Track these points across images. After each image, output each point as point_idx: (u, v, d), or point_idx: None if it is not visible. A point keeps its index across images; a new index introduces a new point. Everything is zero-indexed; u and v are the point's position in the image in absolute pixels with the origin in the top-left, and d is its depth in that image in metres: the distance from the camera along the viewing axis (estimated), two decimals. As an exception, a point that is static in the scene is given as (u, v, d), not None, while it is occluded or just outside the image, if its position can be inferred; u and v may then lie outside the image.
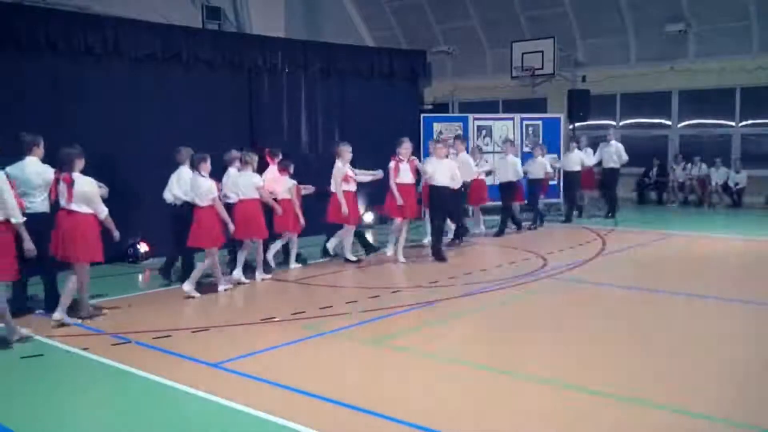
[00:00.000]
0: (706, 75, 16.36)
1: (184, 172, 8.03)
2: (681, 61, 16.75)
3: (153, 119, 10.07)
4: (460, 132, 14.13)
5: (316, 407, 4.53)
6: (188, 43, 10.73)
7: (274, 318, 6.78)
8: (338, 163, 9.39)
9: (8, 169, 6.19)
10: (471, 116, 15.01)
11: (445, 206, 9.79)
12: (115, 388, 5.05)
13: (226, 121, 11.05)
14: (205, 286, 8.00)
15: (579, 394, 4.74)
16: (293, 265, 9.34)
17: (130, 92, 9.94)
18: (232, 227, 7.81)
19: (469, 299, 7.59)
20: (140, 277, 9.04)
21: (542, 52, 17.09)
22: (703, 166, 16.48)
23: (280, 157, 9.20)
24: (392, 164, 9.52)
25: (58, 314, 6.48)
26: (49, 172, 6.66)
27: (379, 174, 9.82)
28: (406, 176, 9.50)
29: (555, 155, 14.41)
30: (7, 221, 5.76)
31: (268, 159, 9.19)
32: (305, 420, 4.26)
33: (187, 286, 7.65)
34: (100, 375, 5.29)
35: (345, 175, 9.36)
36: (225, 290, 7.90)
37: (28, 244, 5.83)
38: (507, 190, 12.12)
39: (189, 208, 7.85)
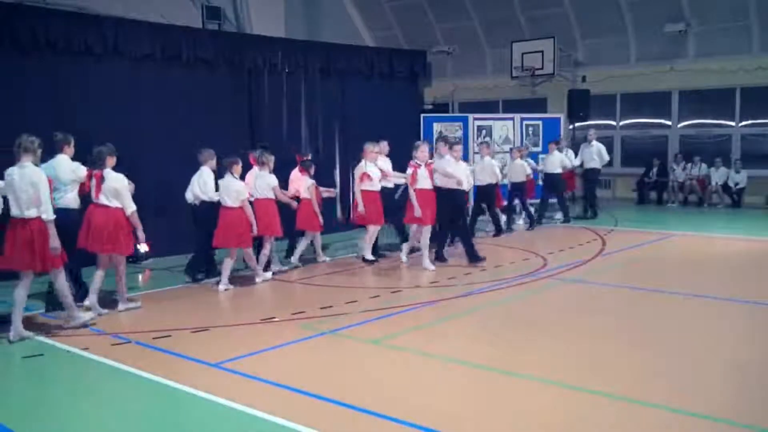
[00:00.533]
0: (706, 75, 16.36)
1: (205, 172, 8.26)
2: (681, 61, 16.75)
3: (153, 119, 10.07)
4: (461, 132, 14.14)
5: (316, 407, 4.53)
6: (188, 43, 10.72)
7: (274, 318, 6.78)
8: (361, 162, 9.42)
9: (42, 166, 6.34)
10: (471, 116, 14.99)
11: (460, 209, 9.56)
12: (115, 388, 5.05)
13: (225, 120, 11.05)
14: (202, 285, 8.00)
15: (579, 394, 4.74)
16: (322, 258, 9.76)
17: (130, 92, 9.94)
18: (255, 229, 8.07)
19: (469, 299, 7.59)
20: (140, 277, 9.04)
21: (542, 52, 17.09)
22: (703, 166, 16.48)
23: (308, 157, 9.73)
24: (410, 170, 9.06)
25: (90, 302, 6.83)
26: (80, 170, 6.95)
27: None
28: (425, 182, 9.00)
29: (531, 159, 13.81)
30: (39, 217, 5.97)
31: (298, 159, 9.63)
32: (305, 420, 4.26)
33: (222, 286, 7.99)
34: (100, 375, 5.30)
35: (363, 174, 9.29)
36: (226, 290, 8.00)
37: (54, 242, 5.99)
38: (485, 193, 11.49)
39: (207, 207, 8.13)
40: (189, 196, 8.39)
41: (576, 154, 14.37)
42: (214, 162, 8.35)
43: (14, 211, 5.95)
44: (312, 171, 9.39)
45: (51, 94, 9.17)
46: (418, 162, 9.04)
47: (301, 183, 9.30)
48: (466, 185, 9.53)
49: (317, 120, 12.63)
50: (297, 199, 9.16)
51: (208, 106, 10.80)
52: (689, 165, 16.68)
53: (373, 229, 9.58)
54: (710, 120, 17.09)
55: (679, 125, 17.51)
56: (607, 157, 14.14)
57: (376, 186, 9.42)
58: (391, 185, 9.93)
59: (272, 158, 8.76)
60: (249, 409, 4.47)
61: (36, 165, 6.10)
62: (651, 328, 6.42)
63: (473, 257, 9.27)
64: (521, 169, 12.52)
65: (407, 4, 19.59)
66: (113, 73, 9.83)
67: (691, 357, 5.51)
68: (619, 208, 15.85)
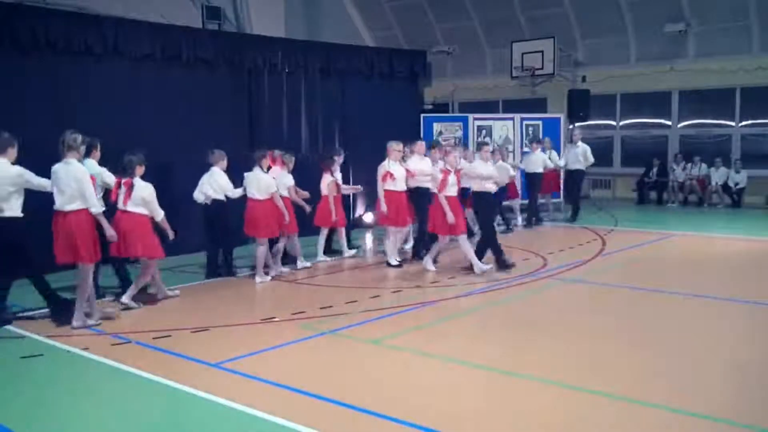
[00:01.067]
0: (706, 75, 16.37)
1: (217, 172, 8.51)
2: (681, 61, 16.76)
3: (153, 119, 10.07)
4: (460, 132, 14.14)
5: (316, 407, 4.53)
6: (188, 43, 10.72)
7: (274, 318, 6.79)
8: (384, 161, 9.21)
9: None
10: (471, 116, 15.01)
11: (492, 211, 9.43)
12: (115, 388, 5.05)
13: (225, 120, 11.05)
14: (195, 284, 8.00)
15: (579, 394, 4.74)
16: (347, 253, 10.04)
17: (130, 92, 9.93)
18: (287, 218, 8.54)
19: (469, 299, 7.59)
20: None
21: (542, 52, 17.09)
22: (703, 166, 16.49)
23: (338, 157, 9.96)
24: (441, 176, 8.70)
25: (126, 298, 7.16)
26: (105, 174, 7.21)
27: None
28: (454, 189, 8.67)
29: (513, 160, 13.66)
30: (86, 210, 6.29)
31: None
32: (305, 420, 4.26)
33: (259, 278, 8.42)
34: (100, 375, 5.30)
35: (385, 173, 9.09)
36: (261, 282, 8.39)
37: (110, 231, 6.45)
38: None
39: (219, 206, 8.49)
40: (199, 196, 8.55)
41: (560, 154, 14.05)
42: (225, 163, 8.60)
43: (57, 205, 6.27)
44: (333, 168, 9.64)
45: (51, 94, 9.16)
46: (449, 167, 8.75)
47: (323, 181, 9.58)
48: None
49: (317, 120, 12.63)
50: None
51: (208, 106, 10.80)
52: (689, 165, 16.68)
53: (394, 231, 9.35)
54: (710, 120, 17.10)
55: (679, 125, 17.52)
56: (591, 159, 13.70)
57: (400, 186, 9.15)
58: (428, 184, 9.46)
59: (293, 159, 9.22)
60: (249, 409, 4.47)
61: (79, 162, 6.41)
62: (651, 328, 6.42)
63: (502, 264, 8.89)
64: (504, 171, 12.28)
65: (407, 4, 19.59)
66: (113, 73, 9.82)
67: (691, 357, 5.51)
68: (619, 208, 15.86)
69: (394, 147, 9.19)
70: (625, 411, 4.43)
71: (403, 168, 9.22)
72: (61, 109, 9.16)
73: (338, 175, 9.83)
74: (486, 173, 8.92)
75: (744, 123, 16.54)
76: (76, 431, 4.36)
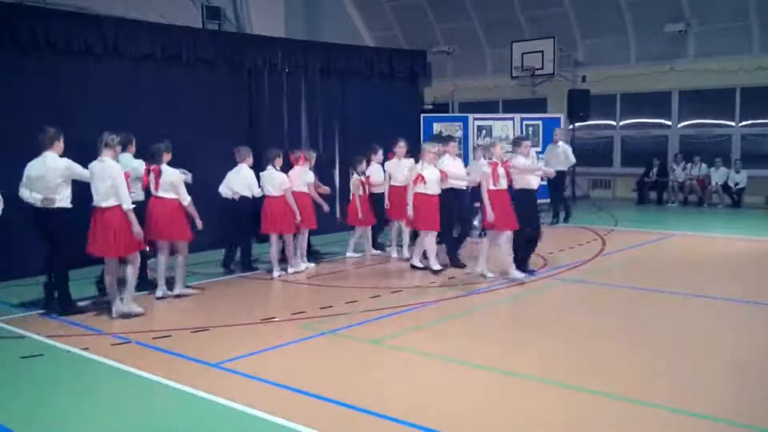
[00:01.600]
0: (706, 75, 16.36)
1: (244, 169, 8.79)
2: (681, 61, 16.75)
3: (153, 119, 10.05)
4: (461, 132, 14.13)
5: (316, 407, 4.54)
6: (188, 43, 10.72)
7: (274, 318, 6.79)
8: (417, 164, 8.85)
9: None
10: (471, 116, 15.01)
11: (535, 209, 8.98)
12: (115, 388, 5.05)
13: (225, 120, 11.05)
14: (193, 282, 7.99)
15: (579, 394, 4.74)
16: (371, 252, 10.17)
17: (130, 92, 9.93)
18: (299, 217, 8.74)
19: (469, 299, 7.59)
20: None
21: (542, 52, 17.08)
22: (703, 166, 16.48)
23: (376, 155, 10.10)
24: (488, 170, 8.18)
25: (178, 289, 7.64)
26: (142, 167, 7.57)
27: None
28: (504, 181, 8.21)
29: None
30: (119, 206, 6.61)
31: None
32: (305, 420, 4.26)
33: (276, 272, 8.71)
34: (100, 375, 5.30)
35: (417, 176, 8.69)
36: (279, 275, 8.69)
37: (136, 228, 6.67)
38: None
39: (248, 202, 8.77)
40: (226, 191, 8.82)
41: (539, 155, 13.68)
42: (251, 159, 8.86)
43: (95, 201, 6.64)
44: (359, 168, 9.84)
45: (51, 94, 9.16)
46: (496, 159, 8.26)
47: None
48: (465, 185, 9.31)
49: (317, 120, 12.63)
50: None
51: (208, 106, 10.80)
52: (689, 165, 16.67)
53: (424, 234, 8.88)
54: (710, 120, 17.08)
55: (679, 125, 17.50)
56: (573, 159, 13.38)
57: (433, 189, 8.72)
58: (464, 186, 9.33)
59: (314, 156, 9.46)
60: (249, 409, 4.47)
61: (115, 160, 6.76)
62: (651, 328, 6.42)
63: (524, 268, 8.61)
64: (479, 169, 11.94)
65: (407, 4, 19.58)
66: (113, 73, 9.82)
67: (691, 357, 5.51)
68: (619, 208, 15.85)
69: (429, 149, 8.79)
70: (625, 411, 4.43)
71: (438, 170, 8.81)
72: (61, 109, 9.14)
73: (371, 173, 9.97)
74: (531, 168, 8.53)
75: (744, 123, 16.52)
76: (76, 431, 4.36)
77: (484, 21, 19.04)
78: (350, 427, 4.28)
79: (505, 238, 8.25)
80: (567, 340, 5.99)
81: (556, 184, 13.39)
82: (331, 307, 7.14)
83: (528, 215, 8.40)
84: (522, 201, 8.37)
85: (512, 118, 15.20)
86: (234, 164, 8.86)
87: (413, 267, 9.07)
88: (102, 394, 4.96)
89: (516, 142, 8.67)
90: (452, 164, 9.20)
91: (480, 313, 7.11)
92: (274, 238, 8.80)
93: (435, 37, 19.74)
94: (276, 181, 8.66)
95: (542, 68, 17.08)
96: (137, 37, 10.09)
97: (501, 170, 8.16)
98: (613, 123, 18.43)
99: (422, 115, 14.76)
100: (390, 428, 4.20)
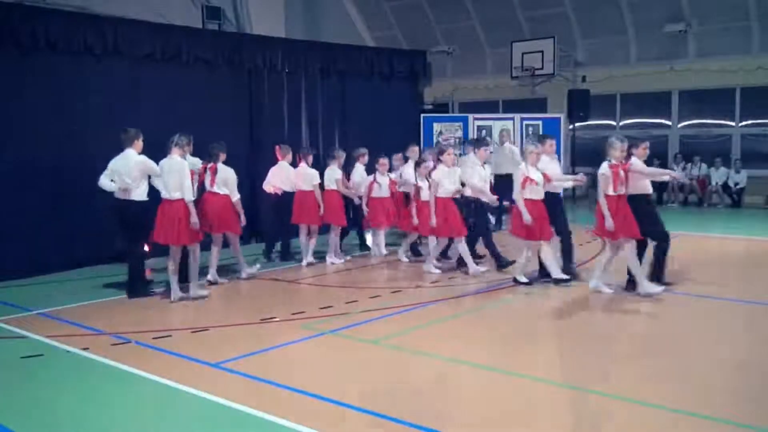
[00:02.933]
0: (706, 75, 16.37)
1: (285, 166, 9.58)
2: (681, 61, 16.76)
3: (153, 119, 10.04)
4: (460, 132, 14.13)
5: (316, 407, 4.53)
6: (188, 43, 10.73)
7: (274, 318, 6.78)
8: (521, 165, 8.00)
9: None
10: (471, 116, 15.01)
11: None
12: (115, 388, 5.04)
13: (225, 121, 11.05)
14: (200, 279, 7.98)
15: (579, 394, 4.74)
16: (378, 254, 10.24)
17: (130, 92, 9.94)
18: (322, 210, 9.30)
19: (469, 299, 7.59)
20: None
21: (542, 52, 17.10)
22: (703, 166, 16.50)
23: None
24: (609, 173, 7.40)
25: (211, 274, 8.34)
26: (198, 165, 8.17)
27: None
28: (622, 187, 7.42)
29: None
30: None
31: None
32: (305, 420, 4.26)
33: (305, 261, 9.42)
34: (100, 375, 5.29)
35: (525, 179, 7.79)
36: (309, 264, 9.41)
37: (194, 218, 7.30)
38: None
39: (289, 196, 9.49)
40: (269, 188, 9.62)
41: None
42: (290, 156, 9.64)
43: (164, 194, 7.37)
44: (339, 162, 9.94)
45: (51, 94, 9.17)
46: (615, 162, 7.44)
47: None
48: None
49: (317, 120, 12.63)
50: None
51: (208, 106, 10.79)
52: (689, 165, 16.68)
53: (539, 244, 8.02)
54: (710, 120, 17.10)
55: (679, 125, 17.51)
56: (519, 159, 11.52)
57: (539, 193, 7.82)
58: (559, 191, 8.57)
59: (343, 155, 9.87)
60: (249, 409, 4.47)
61: (182, 158, 7.44)
62: (651, 327, 6.42)
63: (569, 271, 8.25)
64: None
65: (407, 4, 19.59)
66: (113, 73, 9.82)
67: (691, 357, 5.51)
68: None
69: (531, 149, 7.86)
70: (626, 411, 4.43)
71: (540, 173, 7.85)
72: (61, 109, 9.16)
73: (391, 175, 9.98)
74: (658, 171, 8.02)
75: (744, 123, 16.53)
76: (76, 431, 4.36)
77: (484, 21, 19.05)
78: (350, 427, 4.27)
79: (629, 248, 7.48)
80: (567, 340, 5.99)
81: (502, 188, 10.83)
82: (331, 307, 7.14)
83: (650, 221, 7.70)
84: (640, 207, 7.60)
85: (512, 118, 15.20)
86: (272, 163, 9.70)
87: (516, 281, 8.12)
88: (102, 394, 4.95)
89: (540, 140, 8.24)
90: (551, 166, 8.24)
91: (480, 313, 7.10)
92: (302, 228, 9.49)
93: (435, 37, 19.74)
94: (308, 177, 9.33)
95: (542, 68, 17.10)
96: (137, 37, 10.10)
97: (622, 174, 7.32)
98: (613, 123, 18.42)
99: (422, 115, 14.77)
100: (390, 428, 4.20)
